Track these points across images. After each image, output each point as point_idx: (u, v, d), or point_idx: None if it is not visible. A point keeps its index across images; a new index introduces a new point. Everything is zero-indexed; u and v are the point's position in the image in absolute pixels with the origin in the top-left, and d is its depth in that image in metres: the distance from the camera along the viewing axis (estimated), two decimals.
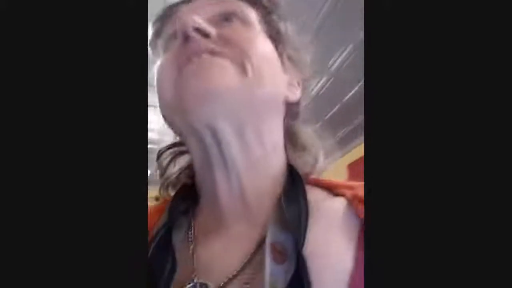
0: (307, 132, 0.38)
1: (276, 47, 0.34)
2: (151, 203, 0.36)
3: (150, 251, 0.28)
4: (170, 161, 0.38)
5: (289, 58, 0.36)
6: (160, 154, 0.39)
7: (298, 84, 0.37)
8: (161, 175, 0.38)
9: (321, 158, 0.36)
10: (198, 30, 0.30)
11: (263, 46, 0.33)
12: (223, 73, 0.29)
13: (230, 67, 0.29)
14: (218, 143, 0.30)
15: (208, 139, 0.30)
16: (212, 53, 0.30)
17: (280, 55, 0.34)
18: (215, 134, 0.30)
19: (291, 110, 0.37)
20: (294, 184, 0.32)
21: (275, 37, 0.35)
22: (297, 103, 0.37)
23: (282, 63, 0.35)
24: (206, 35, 0.30)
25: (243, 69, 0.29)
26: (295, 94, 0.36)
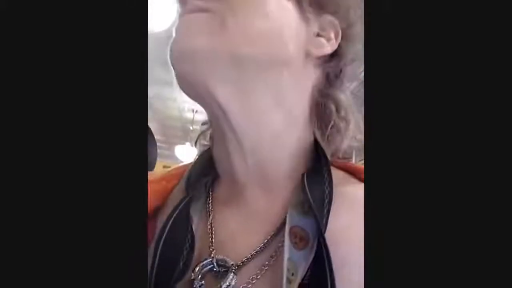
0: (343, 102, 0.32)
1: None
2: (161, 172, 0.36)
3: (168, 226, 0.27)
4: (205, 131, 0.36)
5: (313, 3, 0.29)
6: (204, 123, 0.37)
7: (335, 35, 0.30)
8: (195, 142, 0.37)
9: (349, 133, 0.32)
10: None
11: None
12: (198, 29, 0.26)
13: (209, 22, 0.26)
14: (224, 112, 0.27)
15: (215, 109, 0.28)
16: (200, 10, 0.27)
17: (297, 1, 0.29)
18: (218, 103, 0.27)
19: (325, 68, 0.31)
20: (319, 165, 0.29)
21: None
22: (334, 59, 0.31)
23: (301, 11, 0.29)
24: None
25: (223, 24, 0.26)
26: (322, 47, 0.30)
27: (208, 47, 0.26)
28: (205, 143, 0.37)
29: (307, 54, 0.30)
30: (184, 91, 0.29)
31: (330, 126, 0.31)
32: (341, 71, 0.32)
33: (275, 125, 0.29)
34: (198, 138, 0.37)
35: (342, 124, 0.31)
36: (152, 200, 0.31)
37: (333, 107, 0.31)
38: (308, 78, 0.31)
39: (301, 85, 0.30)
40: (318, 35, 0.30)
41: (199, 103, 0.30)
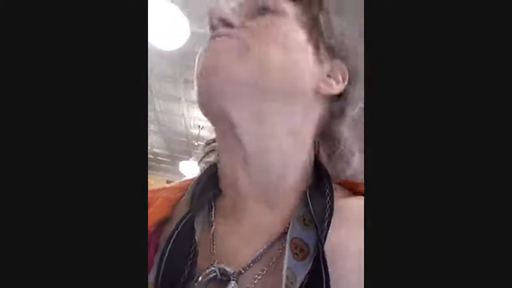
0: (344, 133, 0.34)
1: (311, 36, 0.33)
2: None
3: (173, 237, 0.28)
4: (210, 151, 0.40)
5: (329, 48, 0.33)
6: (207, 143, 0.41)
7: (343, 78, 0.34)
8: (200, 160, 0.40)
9: (353, 165, 0.34)
10: (222, 19, 0.31)
11: (283, 30, 0.31)
12: (225, 52, 0.30)
13: (235, 48, 0.30)
14: (235, 133, 0.30)
15: (226, 128, 0.30)
16: (227, 36, 0.30)
17: (315, 45, 0.33)
18: (231, 123, 0.30)
19: (331, 106, 0.34)
20: (321, 181, 0.32)
21: (311, 26, 0.33)
22: (339, 100, 0.34)
23: (317, 53, 0.33)
24: (229, 24, 0.31)
25: (247, 50, 0.29)
26: (331, 87, 0.33)
27: (231, 70, 0.29)
28: (209, 160, 0.39)
29: (317, 91, 0.33)
30: (200, 107, 0.32)
31: (336, 153, 0.34)
32: (344, 111, 0.35)
33: (284, 150, 0.31)
34: (202, 157, 0.40)
35: (346, 156, 0.34)
36: (164, 208, 0.33)
37: (337, 139, 0.34)
38: (316, 112, 0.34)
39: (310, 117, 0.33)
40: (329, 76, 0.34)
41: (211, 120, 0.33)
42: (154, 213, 0.32)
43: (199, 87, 0.30)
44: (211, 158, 0.39)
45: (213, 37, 0.31)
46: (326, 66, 0.33)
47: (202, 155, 0.40)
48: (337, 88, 0.34)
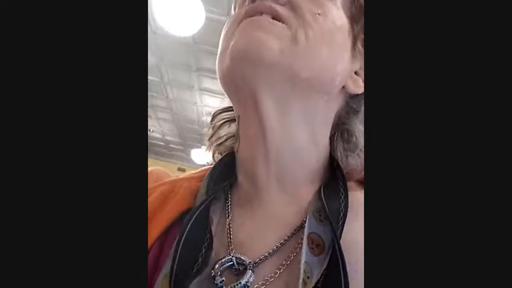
0: (362, 131, 0.33)
1: (353, 28, 0.31)
2: (175, 173, 0.38)
3: (188, 226, 0.28)
4: (223, 123, 0.38)
5: (364, 44, 0.31)
6: (215, 115, 0.39)
7: None
8: (210, 136, 0.38)
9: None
10: None
11: (333, 24, 0.29)
12: (271, 34, 0.27)
13: (283, 31, 0.28)
14: (260, 118, 0.29)
15: (250, 111, 0.29)
16: (274, 15, 0.28)
17: (354, 38, 0.31)
18: (257, 106, 0.29)
19: (349, 104, 0.33)
20: (336, 177, 0.31)
21: (356, 17, 0.31)
22: (359, 98, 0.33)
23: (354, 48, 0.31)
24: None
25: (295, 41, 0.27)
26: (358, 87, 0.32)
27: (276, 58, 0.27)
28: (219, 141, 0.38)
29: (342, 88, 0.32)
30: (226, 87, 0.31)
31: (355, 153, 0.33)
32: (359, 107, 0.34)
33: (300, 141, 0.31)
34: (214, 132, 0.38)
35: (362, 154, 0.33)
36: (187, 199, 0.33)
37: (356, 137, 0.33)
38: (336, 107, 0.33)
39: (329, 111, 0.33)
40: (356, 73, 0.33)
41: (235, 101, 0.32)
42: (178, 205, 0.32)
43: (231, 68, 0.28)
44: (224, 133, 0.38)
45: (254, 11, 0.29)
46: (357, 63, 0.32)
47: (215, 127, 0.38)
48: (362, 89, 0.32)
